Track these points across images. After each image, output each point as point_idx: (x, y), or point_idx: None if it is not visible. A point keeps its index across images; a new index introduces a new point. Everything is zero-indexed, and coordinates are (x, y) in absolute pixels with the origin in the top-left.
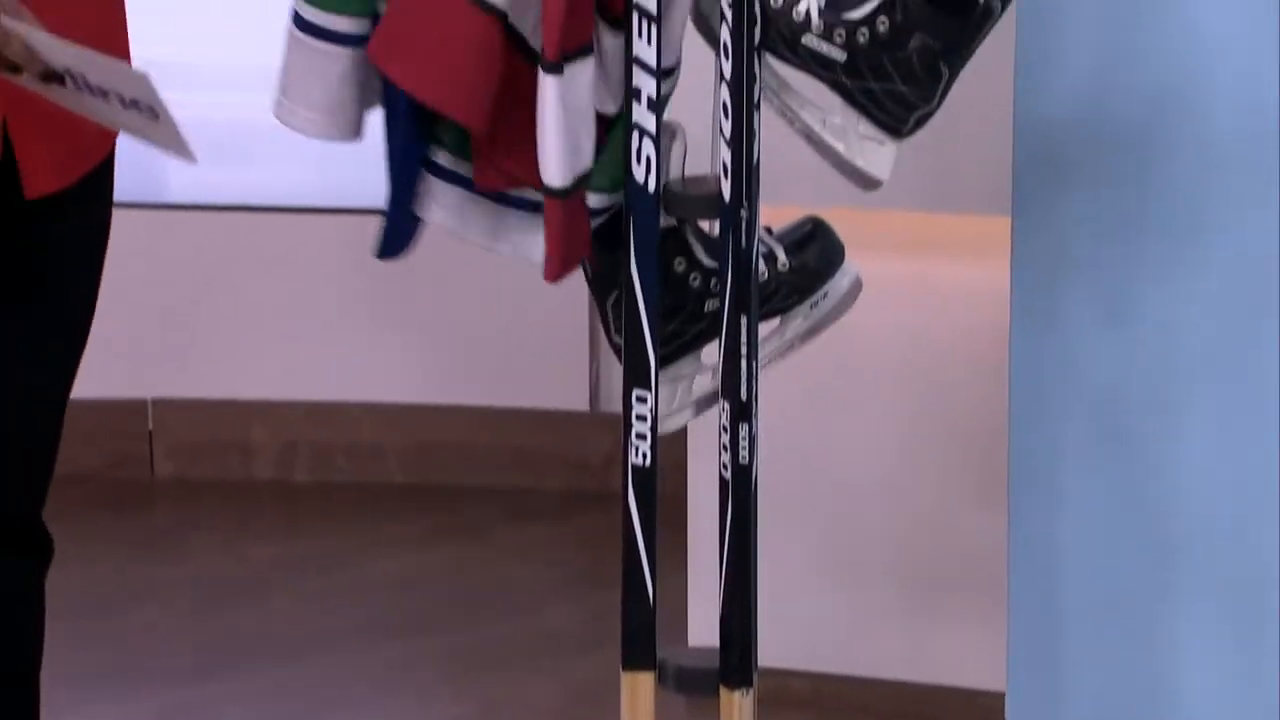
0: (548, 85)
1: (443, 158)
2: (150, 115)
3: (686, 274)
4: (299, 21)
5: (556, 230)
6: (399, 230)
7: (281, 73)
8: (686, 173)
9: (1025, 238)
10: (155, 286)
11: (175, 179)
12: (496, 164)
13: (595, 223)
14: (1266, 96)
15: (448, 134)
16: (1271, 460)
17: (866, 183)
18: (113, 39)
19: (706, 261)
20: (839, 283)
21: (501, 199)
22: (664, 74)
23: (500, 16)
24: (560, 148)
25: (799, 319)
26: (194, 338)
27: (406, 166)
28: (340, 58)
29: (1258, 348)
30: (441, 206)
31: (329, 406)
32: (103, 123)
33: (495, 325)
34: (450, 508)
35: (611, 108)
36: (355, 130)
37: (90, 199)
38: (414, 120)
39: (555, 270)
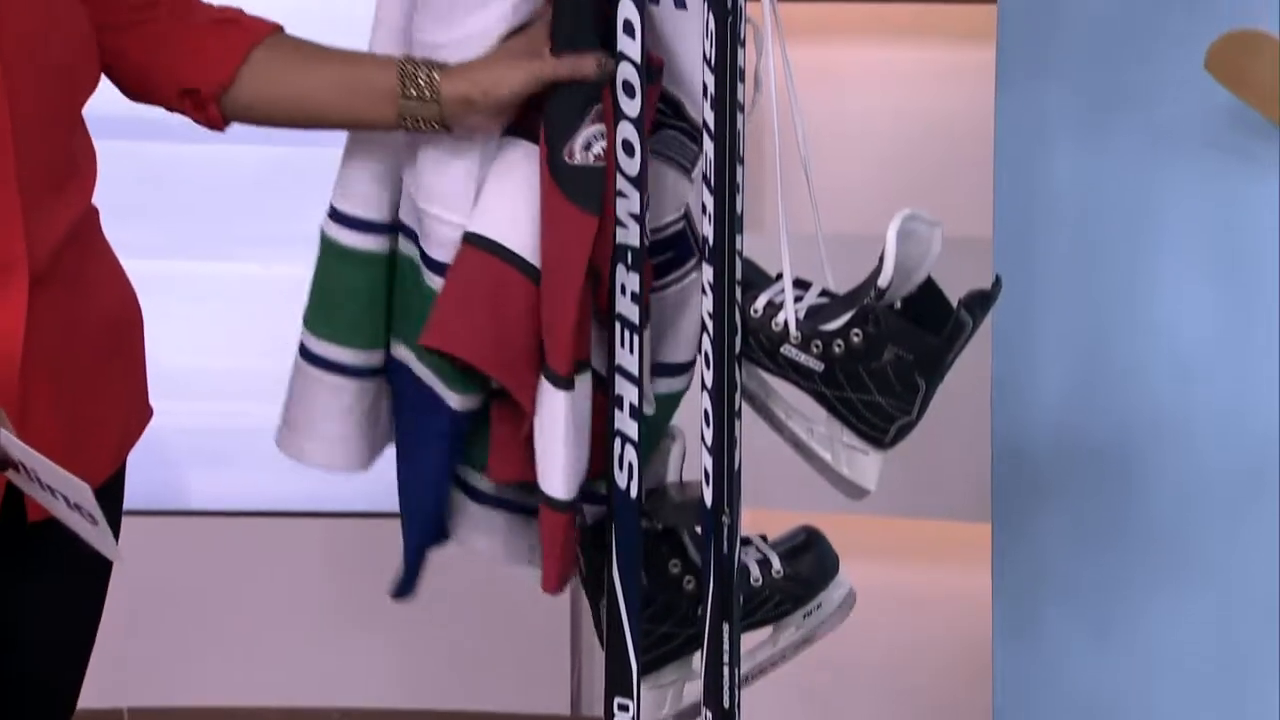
0: (559, 401)
1: (482, 482)
2: (90, 520)
3: (681, 576)
4: (306, 354)
5: (559, 541)
6: (418, 567)
7: (287, 405)
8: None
9: (1006, 548)
10: (125, 593)
11: (142, 485)
12: (519, 453)
13: (597, 510)
14: (1249, 421)
15: (481, 452)
16: None
17: (854, 491)
18: (92, 239)
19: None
20: (832, 594)
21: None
22: (677, 370)
23: (534, 275)
24: (569, 461)
25: (792, 628)
26: (167, 644)
27: (438, 498)
28: (348, 390)
29: (1258, 679)
30: (487, 533)
31: (307, 712)
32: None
33: (474, 628)
34: None
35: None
36: (362, 462)
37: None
38: (455, 440)
39: (555, 582)
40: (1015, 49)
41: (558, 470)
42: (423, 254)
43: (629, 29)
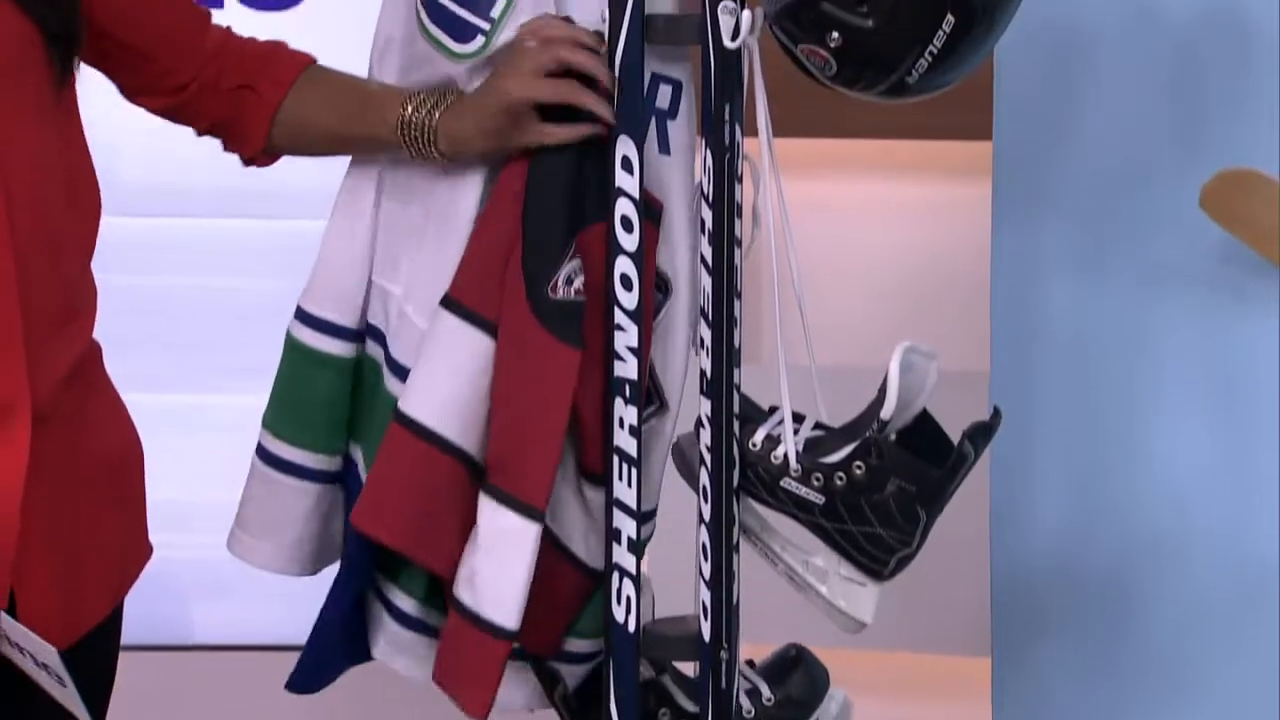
0: (528, 534)
1: (409, 605)
2: (58, 680)
3: None
4: (265, 455)
5: (495, 668)
6: (323, 669)
7: (242, 506)
8: (672, 613)
9: (1006, 681)
10: None
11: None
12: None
13: (579, 670)
14: (1246, 550)
15: (415, 583)
16: None
17: (851, 625)
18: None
19: (690, 707)
20: (828, 708)
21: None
22: (643, 517)
23: (463, 457)
24: (526, 593)
25: None
26: None
27: (353, 610)
28: (307, 494)
29: None
30: (408, 654)
31: None
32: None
33: None
34: None
35: (599, 562)
36: (314, 565)
37: (95, 648)
38: (371, 567)
39: (485, 708)
40: (1011, 184)
41: (513, 601)
42: (387, 356)
43: (627, 165)
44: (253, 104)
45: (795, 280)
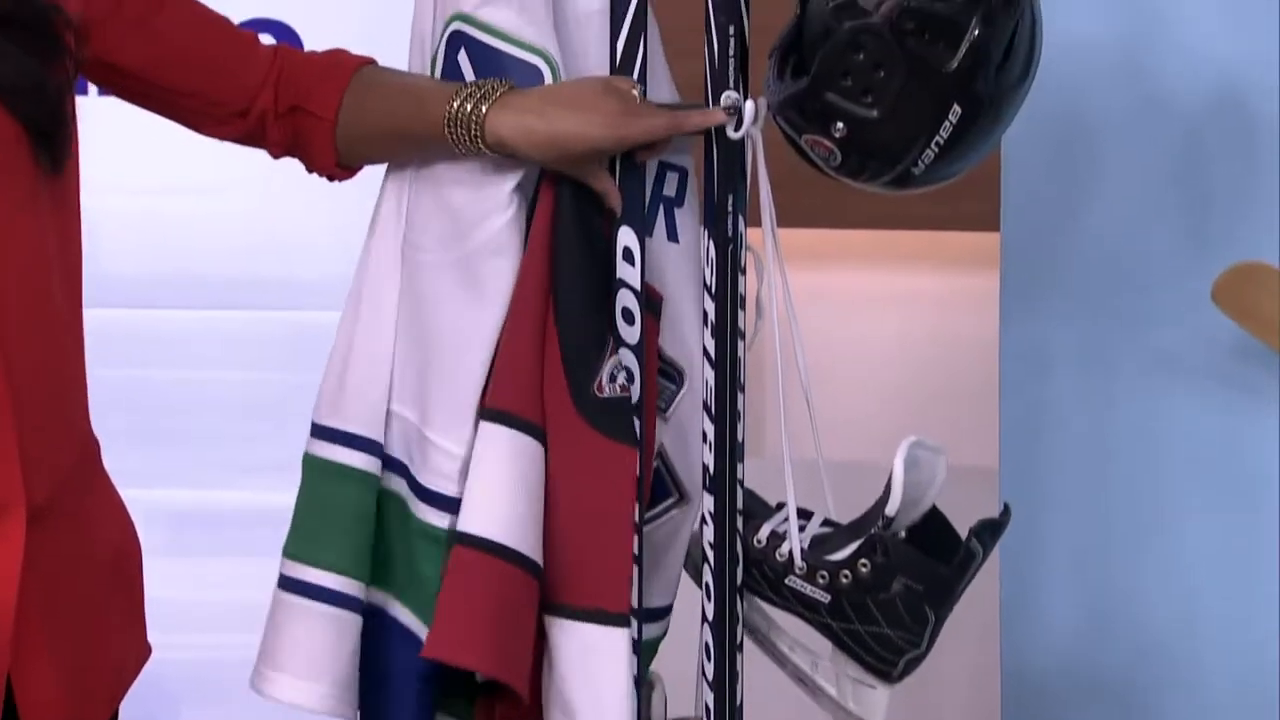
0: (620, 643)
1: None
2: None
3: None
4: (294, 586)
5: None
6: None
7: (266, 639)
8: (673, 714)
9: None
10: None
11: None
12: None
13: None
14: (1256, 649)
15: (459, 708)
16: None
17: None
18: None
19: None
20: None
21: None
22: (658, 615)
23: (533, 568)
24: (632, 704)
25: None
26: None
27: None
28: (331, 618)
29: None
30: None
31: None
32: None
33: None
34: None
35: None
36: (349, 703)
37: None
38: (434, 682)
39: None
40: (1019, 276)
41: (622, 713)
42: (414, 484)
43: (628, 256)
44: (310, 125)
45: (802, 373)
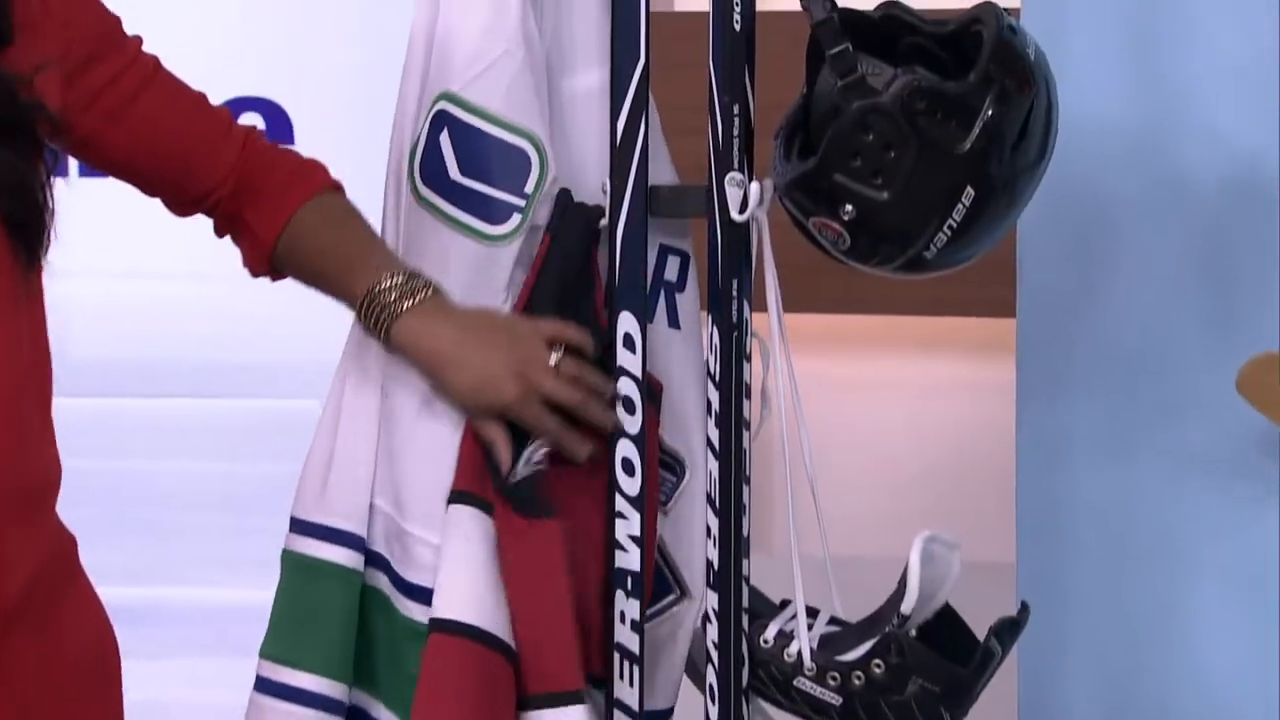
0: (576, 716)
1: None
2: None
3: None
4: (269, 687)
5: None
6: None
7: None
8: None
9: None
10: None
11: None
12: None
13: None
14: None
15: None
16: None
17: None
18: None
19: None
20: None
21: None
22: (659, 717)
23: (505, 649)
24: None
25: None
26: None
27: None
28: None
29: None
30: None
31: None
32: None
33: None
34: None
35: None
36: None
37: None
38: None
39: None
40: (1036, 364)
41: None
42: (397, 580)
43: (629, 343)
44: (248, 237)
45: (808, 464)
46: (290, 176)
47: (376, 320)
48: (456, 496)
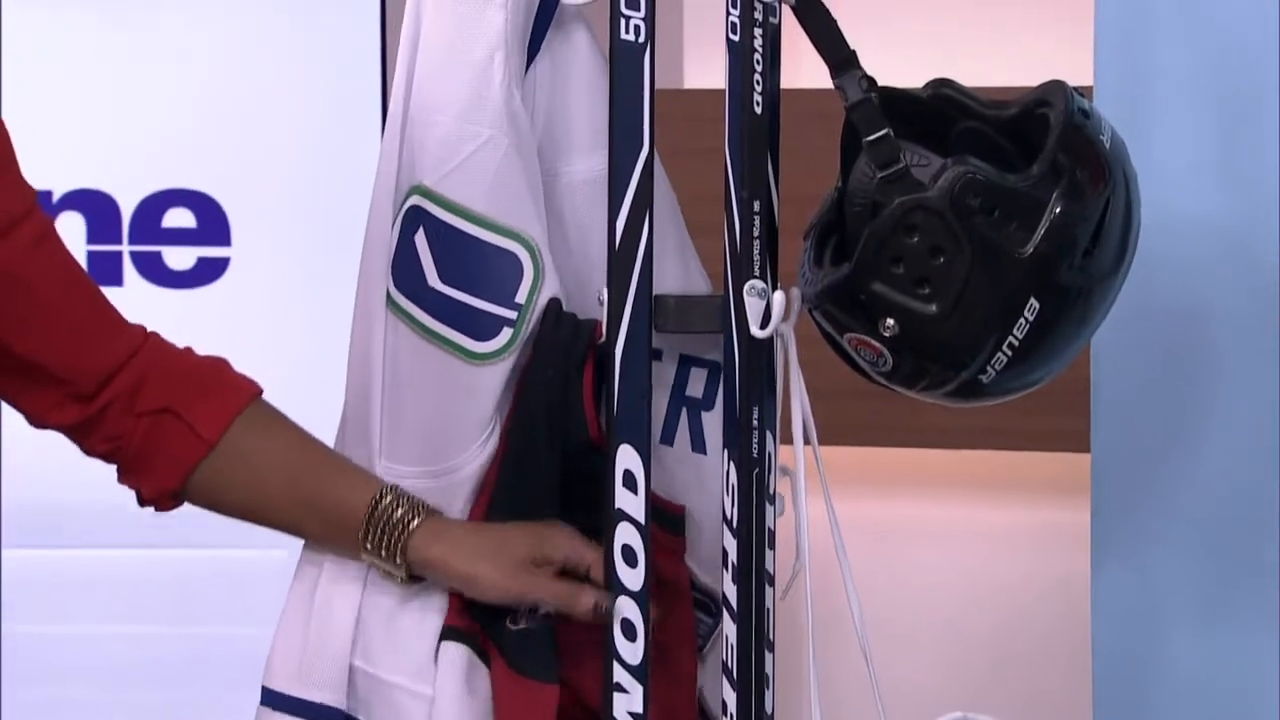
0: None
1: None
2: None
3: None
4: (268, 696)
5: None
6: None
7: None
8: None
9: None
10: None
11: None
12: None
13: None
14: None
15: None
16: None
17: None
18: None
19: None
20: None
21: None
22: None
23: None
24: None
25: None
26: None
27: None
28: None
29: None
30: None
31: None
32: None
33: None
34: None
35: None
36: None
37: None
38: None
39: None
40: (1114, 508)
41: None
42: None
43: (630, 481)
44: (176, 437)
45: (859, 628)
46: (212, 375)
47: (386, 538)
48: (449, 633)
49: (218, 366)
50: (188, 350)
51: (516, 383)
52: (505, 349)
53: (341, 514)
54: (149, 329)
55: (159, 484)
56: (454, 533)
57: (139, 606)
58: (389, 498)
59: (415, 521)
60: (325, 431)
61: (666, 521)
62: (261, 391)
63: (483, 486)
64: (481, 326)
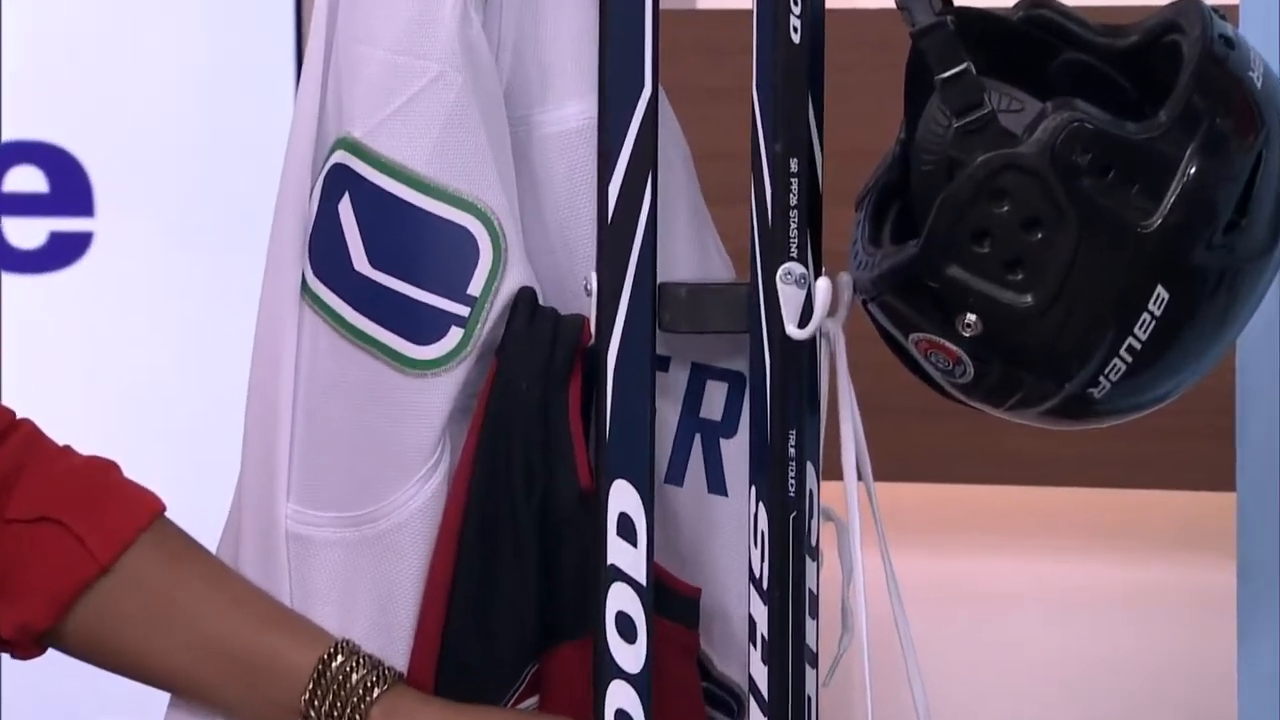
0: None
1: None
2: None
3: None
4: None
5: None
6: None
7: None
8: None
9: None
10: None
11: None
12: None
13: None
14: None
15: None
16: None
17: None
18: None
19: None
20: None
21: None
22: None
23: None
24: None
25: None
26: None
27: None
28: None
29: None
30: None
31: None
32: None
33: None
34: None
35: None
36: None
37: None
38: None
39: None
40: (1263, 563)
41: None
42: None
43: (626, 529)
44: (58, 552)
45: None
46: (100, 479)
47: (340, 706)
48: None
49: (108, 470)
50: (67, 448)
51: (478, 404)
52: (454, 355)
53: (276, 673)
54: (19, 414)
55: (28, 613)
56: (427, 712)
57: None
58: (341, 657)
59: (377, 691)
60: (217, 468)
61: (674, 607)
62: (165, 509)
63: (434, 554)
64: (422, 325)
